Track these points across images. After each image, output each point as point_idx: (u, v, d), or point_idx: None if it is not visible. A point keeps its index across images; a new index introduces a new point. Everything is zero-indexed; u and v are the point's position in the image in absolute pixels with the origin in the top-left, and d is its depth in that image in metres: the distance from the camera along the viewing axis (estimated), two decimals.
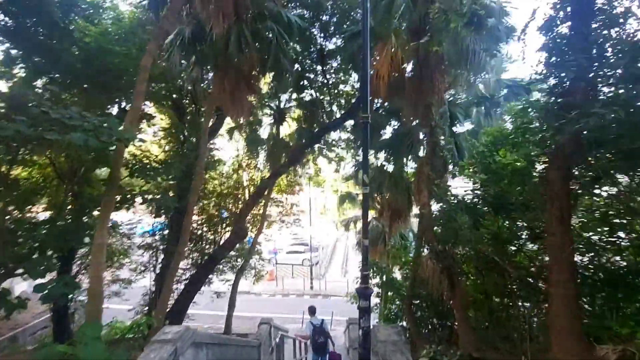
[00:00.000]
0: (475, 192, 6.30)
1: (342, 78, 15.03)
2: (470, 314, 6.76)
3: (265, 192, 13.40)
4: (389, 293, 11.92)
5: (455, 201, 6.60)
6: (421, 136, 9.69)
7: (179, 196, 9.80)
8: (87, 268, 11.38)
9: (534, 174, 5.22)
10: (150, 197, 7.91)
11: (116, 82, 7.67)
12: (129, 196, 7.97)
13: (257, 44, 8.48)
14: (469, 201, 6.42)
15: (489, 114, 9.42)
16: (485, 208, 6.15)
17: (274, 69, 8.98)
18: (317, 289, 24.30)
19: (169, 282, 7.47)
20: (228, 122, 15.20)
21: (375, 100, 11.02)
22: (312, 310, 8.51)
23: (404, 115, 8.47)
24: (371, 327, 4.35)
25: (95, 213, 7.92)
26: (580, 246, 4.78)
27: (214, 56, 8.39)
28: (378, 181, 14.94)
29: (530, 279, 5.63)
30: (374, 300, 15.29)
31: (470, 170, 6.54)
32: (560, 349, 3.73)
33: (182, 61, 8.92)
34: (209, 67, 9.76)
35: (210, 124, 11.56)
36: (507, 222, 6.11)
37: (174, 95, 10.91)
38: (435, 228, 7.06)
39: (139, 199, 7.75)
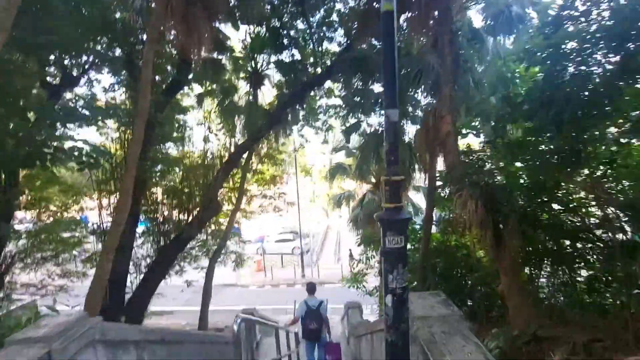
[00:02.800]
0: None
1: (328, 34, 13.02)
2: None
3: (244, 162, 11.40)
4: None
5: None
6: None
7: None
8: None
9: None
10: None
11: None
12: None
13: None
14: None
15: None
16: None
17: None
18: (310, 277, 22.49)
19: (102, 262, 5.45)
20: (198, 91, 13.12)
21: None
22: (310, 288, 6.60)
23: (412, 29, 6.59)
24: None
25: None
26: None
27: None
28: (373, 147, 13.16)
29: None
30: (372, 283, 13.55)
31: None
32: None
33: None
34: None
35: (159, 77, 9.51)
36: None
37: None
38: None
39: None
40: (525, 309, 4.07)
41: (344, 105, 14.17)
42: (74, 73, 9.15)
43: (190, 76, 10.98)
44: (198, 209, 9.52)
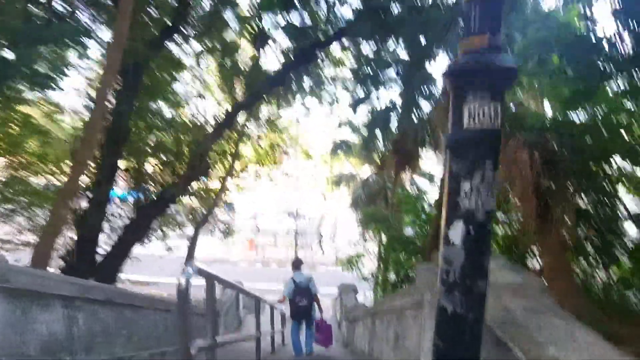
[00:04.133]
0: None
1: None
2: None
3: (239, 126, 10.40)
4: (397, 255, 9.28)
5: None
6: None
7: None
8: None
9: None
10: None
11: None
12: None
13: None
14: None
15: None
16: None
17: None
18: (303, 259, 21.77)
19: (57, 207, 4.53)
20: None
21: None
22: (296, 264, 5.86)
23: None
24: None
25: None
26: None
27: None
28: (382, 123, 12.17)
29: None
30: (368, 266, 12.76)
31: None
32: None
33: None
34: None
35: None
36: None
37: None
38: None
39: None
40: (574, 296, 3.22)
41: (353, 77, 13.13)
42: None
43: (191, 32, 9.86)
44: (186, 169, 8.58)
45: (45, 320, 2.35)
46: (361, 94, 13.02)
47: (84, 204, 7.90)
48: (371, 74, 12.92)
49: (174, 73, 10.36)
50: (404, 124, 11.55)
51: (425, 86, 11.26)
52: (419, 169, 11.90)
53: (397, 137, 11.30)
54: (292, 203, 32.86)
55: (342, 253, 21.49)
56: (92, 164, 7.83)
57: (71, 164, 4.79)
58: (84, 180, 8.04)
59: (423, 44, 10.85)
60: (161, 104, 10.16)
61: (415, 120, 11.53)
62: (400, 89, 12.52)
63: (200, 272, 1.85)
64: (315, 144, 36.81)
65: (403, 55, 12.33)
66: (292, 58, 10.69)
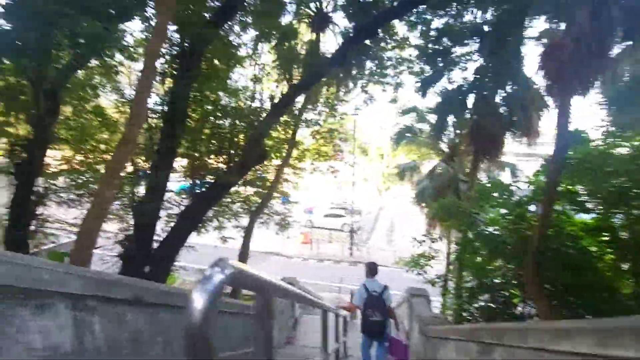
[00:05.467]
0: None
1: None
2: None
3: (296, 111, 9.69)
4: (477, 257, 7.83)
5: None
6: None
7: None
8: None
9: None
10: None
11: None
12: None
13: None
14: None
15: None
16: None
17: None
18: (358, 256, 20.76)
19: (102, 188, 4.10)
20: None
21: None
22: (371, 269, 4.90)
23: None
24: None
25: None
26: None
27: None
28: (454, 104, 10.70)
29: None
30: (434, 268, 11.32)
31: None
32: None
33: None
34: None
35: None
36: None
37: None
38: None
39: None
40: None
41: (420, 56, 11.73)
42: None
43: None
44: (241, 156, 8.06)
45: (40, 328, 1.67)
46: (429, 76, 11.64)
47: (141, 189, 7.80)
48: (442, 49, 11.45)
49: (230, 60, 9.98)
50: (482, 105, 9.98)
51: (513, 61, 9.59)
52: (500, 157, 10.24)
53: (477, 122, 9.78)
54: (347, 197, 31.98)
55: (402, 251, 20.05)
56: (148, 147, 7.68)
57: (119, 141, 4.33)
58: (142, 165, 7.95)
59: (512, 11, 9.22)
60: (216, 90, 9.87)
61: (499, 101, 9.93)
62: (480, 66, 10.90)
63: (239, 279, 0.94)
64: (372, 135, 35.46)
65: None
66: (353, 35, 9.69)
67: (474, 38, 10.86)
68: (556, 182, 5.25)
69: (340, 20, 13.24)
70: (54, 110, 8.03)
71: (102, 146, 9.89)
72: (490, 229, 7.39)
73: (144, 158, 7.71)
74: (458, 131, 12.11)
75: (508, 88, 9.59)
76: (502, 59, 9.53)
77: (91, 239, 4.07)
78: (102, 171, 9.21)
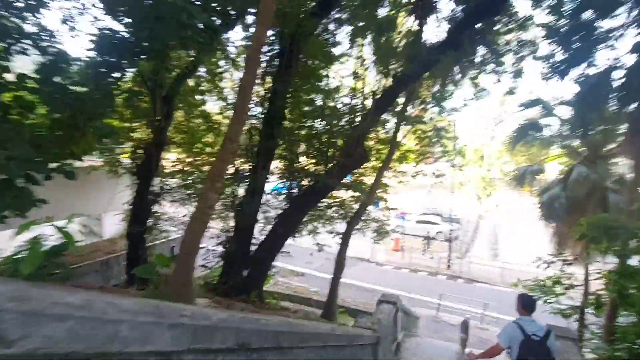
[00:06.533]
0: None
1: None
2: None
3: (400, 109, 8.71)
4: None
5: None
6: None
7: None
8: None
9: None
10: None
11: None
12: None
13: None
14: None
15: None
16: None
17: None
18: (457, 270, 18.60)
19: (206, 190, 3.83)
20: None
21: None
22: (527, 304, 3.61)
23: None
24: None
25: None
26: None
27: None
28: (597, 93, 8.48)
29: None
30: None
31: None
32: None
33: None
34: None
35: None
36: None
37: None
38: None
39: None
40: None
41: (550, 36, 9.61)
42: None
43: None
44: (340, 158, 7.46)
45: None
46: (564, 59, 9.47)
47: (241, 191, 7.80)
48: (581, 24, 9.23)
49: (326, 59, 9.51)
50: None
51: None
52: None
53: (637, 113, 7.45)
54: (442, 203, 29.32)
55: (511, 269, 17.23)
56: (248, 148, 7.62)
57: (222, 141, 4.04)
58: (242, 166, 7.96)
59: None
60: (313, 90, 9.51)
61: None
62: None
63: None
64: (471, 135, 32.04)
65: None
66: (466, 17, 8.31)
67: (631, 6, 8.46)
68: None
69: (444, 5, 11.79)
70: (169, 115, 8.63)
71: (208, 149, 10.46)
72: None
73: (243, 160, 7.67)
74: (602, 127, 9.58)
75: None
76: None
77: (195, 244, 3.83)
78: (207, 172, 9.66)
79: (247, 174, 7.53)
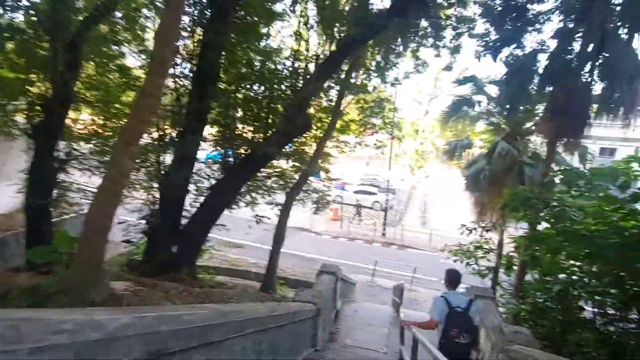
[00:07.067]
0: None
1: None
2: None
3: (344, 75, 8.37)
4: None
5: None
6: None
7: None
8: None
9: None
10: None
11: None
12: None
13: None
14: None
15: None
16: None
17: None
18: (391, 237, 19.72)
19: (119, 155, 3.15)
20: None
21: None
22: (453, 278, 3.84)
23: None
24: None
25: None
26: None
27: None
28: (524, 73, 9.10)
29: None
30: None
31: None
32: None
33: None
34: None
35: None
36: None
37: None
38: None
39: None
40: None
41: (486, 14, 9.91)
42: None
43: None
44: (280, 125, 6.97)
45: None
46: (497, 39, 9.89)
47: (169, 159, 6.94)
48: (514, 6, 9.71)
49: (266, 16, 8.64)
50: (566, 76, 8.28)
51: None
52: (581, 139, 8.60)
53: (558, 96, 8.11)
54: (378, 174, 30.54)
55: (439, 235, 18.79)
56: (175, 110, 6.72)
57: (139, 92, 3.31)
58: (169, 131, 7.04)
59: None
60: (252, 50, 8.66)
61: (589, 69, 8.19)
62: (562, 28, 9.14)
63: None
64: (406, 110, 33.26)
65: None
66: None
67: None
68: None
69: None
70: (75, 65, 7.18)
71: (128, 110, 9.10)
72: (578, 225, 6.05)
73: (170, 123, 6.77)
74: (523, 107, 10.37)
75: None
76: (594, 18, 7.70)
77: (105, 220, 3.18)
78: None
79: (175, 139, 6.69)
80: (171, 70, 7.06)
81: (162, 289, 5.28)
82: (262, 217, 8.52)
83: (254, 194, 8.77)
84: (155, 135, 6.87)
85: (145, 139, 7.16)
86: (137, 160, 6.44)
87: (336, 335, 6.37)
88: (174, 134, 6.80)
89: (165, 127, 6.84)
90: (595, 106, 8.45)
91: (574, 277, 6.09)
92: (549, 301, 6.20)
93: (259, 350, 2.80)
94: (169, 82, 7.13)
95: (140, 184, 7.33)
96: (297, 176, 8.93)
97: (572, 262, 6.80)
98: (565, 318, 6.21)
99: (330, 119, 8.40)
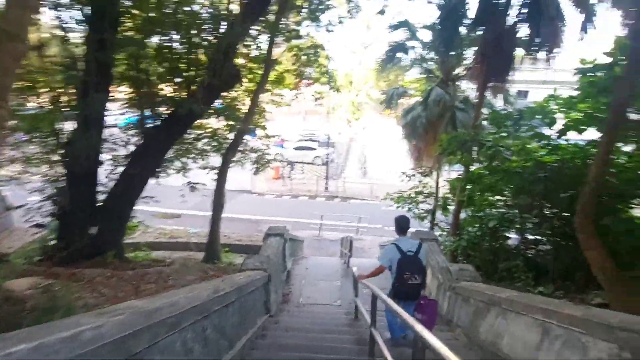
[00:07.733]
0: None
1: None
2: None
3: (274, 20, 7.46)
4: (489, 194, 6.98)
5: None
6: None
7: None
8: None
9: None
10: None
11: None
12: None
13: None
14: None
15: None
16: None
17: None
18: (334, 191, 20.02)
19: None
20: None
21: None
22: (402, 225, 3.90)
23: None
24: None
25: None
26: None
27: None
28: (456, 17, 9.06)
29: None
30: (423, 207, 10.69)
31: None
32: None
33: None
34: None
35: None
36: None
37: None
38: None
39: None
40: None
41: None
42: None
43: None
44: (205, 78, 6.05)
45: None
46: None
47: (70, 126, 5.72)
48: None
49: None
50: (493, 18, 8.38)
51: None
52: (508, 82, 9.00)
53: (487, 38, 8.23)
54: (316, 129, 30.19)
55: (379, 184, 19.53)
56: (70, 64, 5.42)
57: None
58: (65, 90, 5.70)
59: None
60: None
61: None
62: None
63: None
64: (340, 60, 32.46)
65: None
66: None
67: None
68: (626, 102, 4.13)
69: None
70: None
71: None
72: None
73: (62, 80, 5.49)
74: (455, 52, 10.50)
75: None
76: None
77: None
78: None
79: (74, 101, 5.47)
80: (55, 13, 5.61)
81: (83, 279, 4.54)
82: (196, 183, 7.76)
83: (184, 159, 7.89)
84: (46, 97, 5.56)
85: (33, 103, 5.80)
86: (25, 131, 5.18)
87: (289, 296, 6.27)
88: (72, 94, 5.55)
89: (58, 87, 5.54)
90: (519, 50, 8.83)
91: (503, 211, 6.65)
92: (483, 235, 6.74)
93: (204, 337, 2.43)
94: (54, 29, 5.69)
95: (38, 158, 6.03)
96: (231, 136, 8.15)
97: (497, 197, 7.45)
98: (495, 249, 6.88)
99: (262, 69, 7.59)
